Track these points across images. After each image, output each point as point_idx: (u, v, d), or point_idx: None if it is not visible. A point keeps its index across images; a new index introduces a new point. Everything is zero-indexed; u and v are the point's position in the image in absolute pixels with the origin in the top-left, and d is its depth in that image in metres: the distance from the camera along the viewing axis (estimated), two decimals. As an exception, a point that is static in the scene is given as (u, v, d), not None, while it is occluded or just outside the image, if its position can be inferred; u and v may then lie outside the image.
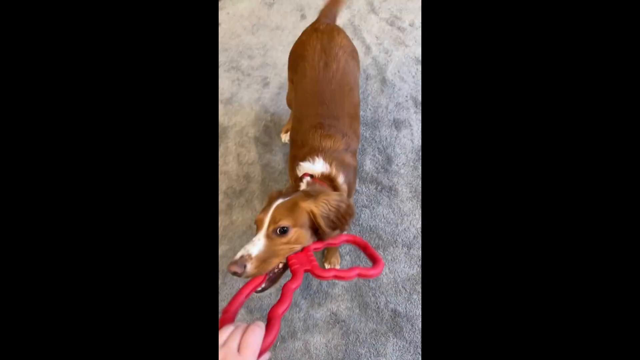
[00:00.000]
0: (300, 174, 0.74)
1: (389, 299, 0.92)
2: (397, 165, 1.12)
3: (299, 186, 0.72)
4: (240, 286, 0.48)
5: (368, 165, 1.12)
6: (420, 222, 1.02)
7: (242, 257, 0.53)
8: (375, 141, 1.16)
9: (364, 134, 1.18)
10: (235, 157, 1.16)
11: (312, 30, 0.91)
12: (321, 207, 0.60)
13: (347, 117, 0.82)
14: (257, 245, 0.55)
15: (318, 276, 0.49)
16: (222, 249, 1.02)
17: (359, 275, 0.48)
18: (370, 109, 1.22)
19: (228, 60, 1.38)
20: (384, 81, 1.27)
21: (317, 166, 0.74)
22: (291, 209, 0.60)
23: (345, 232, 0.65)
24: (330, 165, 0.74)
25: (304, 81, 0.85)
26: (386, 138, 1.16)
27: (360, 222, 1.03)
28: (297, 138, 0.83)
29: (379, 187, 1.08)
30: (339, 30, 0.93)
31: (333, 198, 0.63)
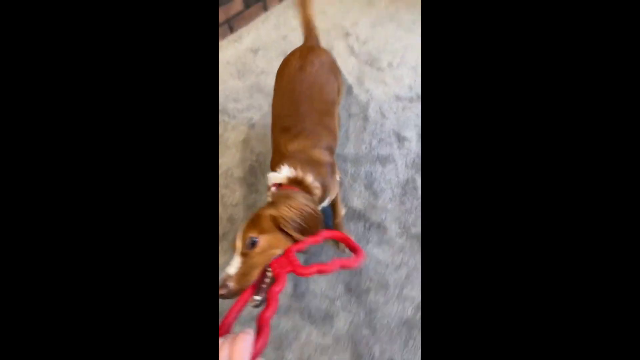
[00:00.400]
0: (270, 185, 0.77)
1: (384, 347, 0.85)
2: (383, 200, 1.10)
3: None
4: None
5: (355, 202, 1.11)
6: (411, 260, 0.98)
7: (222, 279, 0.56)
8: (361, 177, 1.16)
9: (349, 170, 1.18)
10: (219, 199, 1.14)
11: (298, 47, 1.03)
12: (282, 211, 0.62)
13: (315, 114, 0.86)
14: (233, 265, 0.58)
15: (301, 274, 0.49)
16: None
17: (341, 266, 0.47)
18: (354, 146, 1.24)
19: (215, 104, 1.42)
20: (366, 119, 1.31)
21: (282, 173, 0.76)
22: (254, 220, 0.63)
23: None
24: (295, 168, 0.75)
25: (281, 82, 0.94)
26: (371, 174, 1.17)
27: (349, 263, 0.99)
28: (272, 141, 0.89)
29: (367, 224, 1.06)
30: (321, 48, 1.03)
31: (297, 201, 0.65)
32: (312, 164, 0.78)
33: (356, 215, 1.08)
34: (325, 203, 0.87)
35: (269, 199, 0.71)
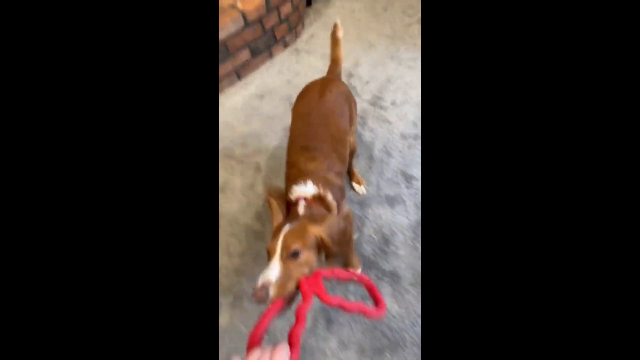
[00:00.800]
0: (294, 197, 0.81)
1: (405, 421, 0.75)
2: (395, 245, 1.05)
3: (296, 211, 0.77)
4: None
5: (365, 248, 1.05)
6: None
7: (264, 283, 0.57)
8: (369, 220, 1.12)
9: (357, 212, 1.14)
10: (225, 249, 1.12)
11: (320, 78, 1.12)
12: (326, 230, 0.67)
13: (330, 140, 0.93)
14: (274, 270, 0.59)
15: (325, 301, 0.50)
16: None
17: (360, 311, 0.48)
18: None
19: (222, 149, 1.45)
20: (371, 158, 1.29)
21: (308, 189, 0.81)
22: (300, 233, 0.65)
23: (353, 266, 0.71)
24: (318, 186, 0.81)
25: (300, 106, 1.01)
26: (380, 216, 1.12)
27: (362, 320, 0.92)
28: (289, 158, 0.94)
29: (379, 274, 1.00)
30: (340, 80, 1.11)
31: (334, 220, 0.70)
32: (329, 184, 0.85)
33: (366, 263, 1.02)
34: None
35: (302, 211, 0.76)
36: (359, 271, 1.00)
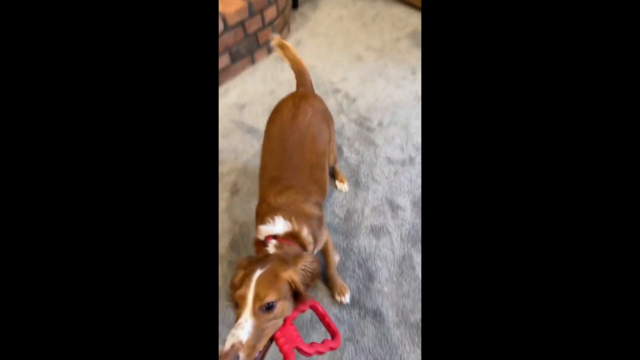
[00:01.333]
0: (262, 237, 0.73)
1: None
2: (379, 282, 1.01)
3: (263, 250, 0.70)
4: None
5: (349, 283, 1.01)
6: (412, 355, 0.88)
7: (233, 346, 0.50)
8: (354, 252, 1.07)
9: (341, 244, 1.09)
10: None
11: (291, 93, 1.00)
12: (300, 274, 0.61)
13: (306, 166, 0.84)
14: (245, 329, 0.52)
15: (304, 352, 0.52)
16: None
17: (330, 348, 0.56)
18: (344, 214, 1.16)
19: (197, 165, 1.33)
20: (357, 183, 1.25)
21: (277, 227, 0.73)
22: (274, 281, 0.58)
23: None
24: (291, 221, 0.74)
25: (272, 128, 0.90)
26: (365, 248, 1.08)
27: (343, 365, 0.87)
28: (259, 191, 0.85)
29: (362, 312, 0.96)
30: (314, 95, 1.00)
31: (308, 260, 0.63)
32: (304, 217, 0.77)
33: (350, 300, 0.97)
34: (315, 252, 0.86)
35: (272, 251, 0.69)
36: (346, 298, 0.96)
